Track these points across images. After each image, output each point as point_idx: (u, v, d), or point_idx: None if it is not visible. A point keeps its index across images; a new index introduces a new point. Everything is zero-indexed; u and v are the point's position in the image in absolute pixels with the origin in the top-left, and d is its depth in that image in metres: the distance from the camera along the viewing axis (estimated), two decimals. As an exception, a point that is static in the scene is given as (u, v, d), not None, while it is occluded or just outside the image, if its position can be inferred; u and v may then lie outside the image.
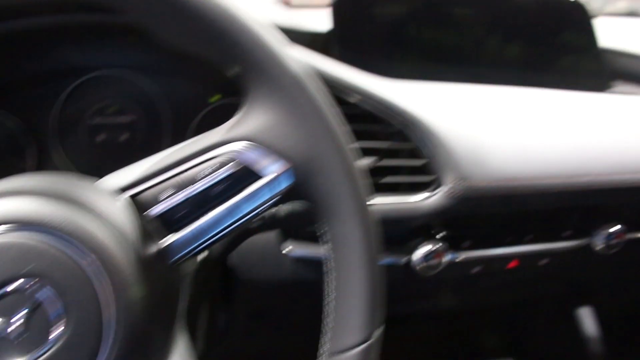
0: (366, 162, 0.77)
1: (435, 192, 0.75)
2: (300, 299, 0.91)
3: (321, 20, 0.92)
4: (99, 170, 0.82)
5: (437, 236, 0.83)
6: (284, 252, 0.81)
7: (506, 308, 1.18)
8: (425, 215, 0.76)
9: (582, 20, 0.96)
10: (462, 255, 0.83)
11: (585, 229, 0.90)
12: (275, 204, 0.48)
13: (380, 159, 0.78)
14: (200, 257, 0.79)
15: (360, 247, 0.47)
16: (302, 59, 0.47)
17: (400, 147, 0.77)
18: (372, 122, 0.76)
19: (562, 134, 0.80)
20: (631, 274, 1.08)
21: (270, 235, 0.81)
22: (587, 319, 1.06)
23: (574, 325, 1.07)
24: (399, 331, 1.12)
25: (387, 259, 0.82)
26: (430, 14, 0.91)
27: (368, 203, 0.48)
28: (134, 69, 0.82)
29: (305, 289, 0.75)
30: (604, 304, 1.10)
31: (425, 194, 0.76)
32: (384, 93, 0.74)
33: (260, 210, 0.47)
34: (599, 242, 0.89)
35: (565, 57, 0.96)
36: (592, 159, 0.80)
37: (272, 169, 0.46)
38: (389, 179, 0.78)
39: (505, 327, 1.27)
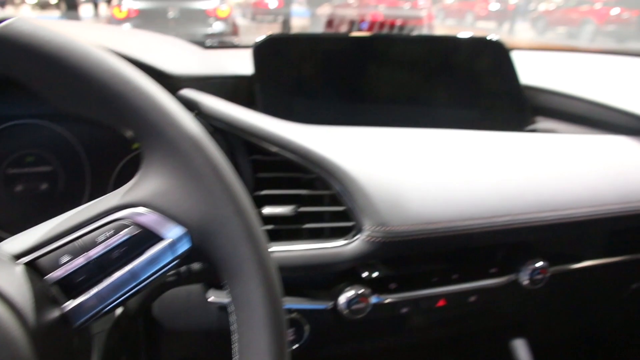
0: (288, 209, 0.78)
1: (355, 238, 0.76)
2: (226, 348, 0.90)
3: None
4: (19, 221, 0.81)
5: (365, 278, 0.84)
6: (209, 300, 0.80)
7: (441, 343, 1.19)
8: (347, 261, 0.76)
9: (502, 59, 0.99)
10: (389, 298, 0.84)
11: (511, 265, 0.91)
12: (177, 266, 0.48)
13: (301, 206, 0.78)
14: (117, 312, 0.78)
15: (262, 308, 0.47)
16: (195, 122, 0.47)
17: (321, 194, 0.78)
18: (293, 170, 0.77)
19: (481, 175, 0.81)
20: (557, 306, 1.10)
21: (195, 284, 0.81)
22: (522, 350, 1.07)
23: (509, 357, 1.08)
24: None
25: (314, 304, 0.82)
26: (349, 56, 0.92)
27: (270, 263, 0.48)
28: (51, 117, 0.81)
29: (231, 338, 0.74)
30: (537, 335, 1.11)
31: (345, 240, 0.76)
32: (303, 141, 0.75)
33: (162, 273, 0.47)
34: (524, 278, 0.90)
35: (487, 96, 0.98)
36: (511, 198, 0.81)
37: (170, 233, 0.46)
38: (311, 225, 0.78)
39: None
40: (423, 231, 0.76)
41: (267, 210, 0.78)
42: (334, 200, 0.77)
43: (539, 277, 0.90)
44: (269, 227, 0.79)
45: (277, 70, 0.89)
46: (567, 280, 0.99)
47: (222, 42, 1.35)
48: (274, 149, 0.75)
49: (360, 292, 0.80)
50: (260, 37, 0.89)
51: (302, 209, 0.79)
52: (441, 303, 0.88)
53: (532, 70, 1.13)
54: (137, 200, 0.46)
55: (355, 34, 0.96)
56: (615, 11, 13.70)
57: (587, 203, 0.86)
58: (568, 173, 0.87)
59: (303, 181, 0.79)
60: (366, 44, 0.93)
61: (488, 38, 1.00)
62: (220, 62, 0.96)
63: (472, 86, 0.97)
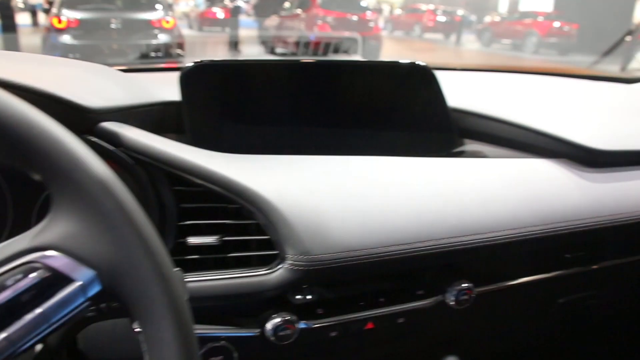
0: (213, 239, 0.78)
1: (278, 267, 0.76)
2: None
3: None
4: None
5: (292, 303, 0.84)
6: (135, 330, 0.79)
7: None
8: (271, 289, 0.77)
9: (430, 84, 1.01)
10: (316, 323, 0.84)
11: (437, 287, 0.93)
12: (89, 307, 0.47)
13: (227, 235, 0.79)
14: (38, 347, 0.76)
15: (174, 348, 0.47)
16: (103, 164, 0.47)
17: (245, 223, 0.78)
18: (217, 200, 0.77)
19: (404, 200, 0.83)
20: (486, 324, 1.13)
21: None
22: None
23: None
24: None
25: (241, 331, 0.82)
26: (278, 83, 0.93)
27: (182, 303, 0.48)
28: None
29: None
30: (468, 353, 1.14)
31: (268, 269, 0.77)
32: (225, 172, 0.75)
33: (74, 315, 0.46)
34: (450, 299, 0.92)
35: (414, 120, 1.00)
36: (433, 223, 0.83)
37: (80, 276, 0.45)
38: (236, 254, 0.79)
39: None
40: (346, 258, 0.77)
41: (193, 240, 0.78)
42: (259, 229, 0.78)
43: (465, 297, 0.93)
44: (195, 256, 0.79)
45: (204, 97, 0.89)
46: (494, 299, 1.01)
47: (152, 63, 1.34)
48: (196, 180, 0.75)
49: (286, 318, 0.81)
50: (187, 64, 0.89)
51: (228, 238, 0.79)
52: (369, 326, 0.89)
53: (458, 90, 1.16)
54: (47, 243, 0.45)
55: (284, 59, 0.97)
56: (557, 24, 14.20)
57: (507, 226, 0.89)
58: (490, 197, 0.89)
59: (229, 210, 0.79)
60: (295, 70, 0.94)
61: (416, 63, 1.02)
62: (147, 88, 0.95)
63: (400, 111, 0.99)
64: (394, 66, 1.03)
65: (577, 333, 1.59)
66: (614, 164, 1.06)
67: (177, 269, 0.58)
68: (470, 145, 1.08)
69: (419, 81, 1.01)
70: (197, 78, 0.89)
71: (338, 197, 0.79)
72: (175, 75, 0.90)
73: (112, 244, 0.46)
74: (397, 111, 0.99)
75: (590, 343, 1.71)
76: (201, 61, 0.90)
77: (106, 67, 1.02)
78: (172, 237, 0.79)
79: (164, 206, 0.78)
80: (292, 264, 0.75)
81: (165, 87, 0.94)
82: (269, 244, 0.78)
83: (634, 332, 1.69)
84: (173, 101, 0.92)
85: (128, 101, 0.84)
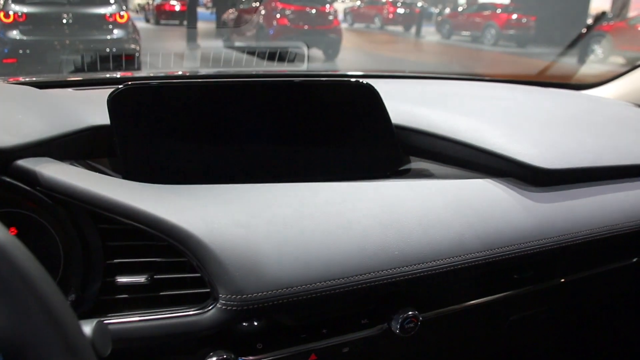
0: (142, 278, 0.74)
1: (210, 307, 0.73)
2: None
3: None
4: None
5: (229, 339, 0.81)
6: None
7: None
8: (204, 330, 0.73)
9: (373, 102, 0.98)
10: (255, 358, 0.81)
11: (382, 315, 0.91)
12: None
13: (157, 273, 0.75)
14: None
15: None
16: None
17: (173, 261, 0.74)
18: (146, 238, 0.73)
19: (343, 231, 0.80)
20: (436, 349, 1.11)
21: None
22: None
23: None
24: None
25: None
26: (212, 106, 0.88)
27: None
28: None
29: None
30: None
31: (200, 310, 0.73)
32: (151, 209, 0.71)
33: None
34: (395, 327, 0.90)
35: (357, 140, 0.97)
36: (374, 254, 0.80)
37: None
38: (167, 293, 0.75)
39: None
40: (282, 296, 0.74)
41: (121, 279, 0.74)
42: (192, 266, 0.74)
43: (411, 325, 0.90)
44: (124, 296, 0.75)
45: (134, 122, 0.84)
46: (441, 323, 1.00)
47: (79, 81, 1.28)
48: (121, 219, 0.71)
49: (224, 357, 0.77)
50: (116, 89, 0.84)
51: (158, 276, 0.75)
52: (313, 358, 0.86)
53: (405, 101, 1.13)
54: None
55: (217, 76, 0.92)
56: (514, 16, 14.38)
57: (451, 253, 0.87)
58: (433, 222, 0.87)
59: (159, 247, 0.75)
60: (229, 91, 0.89)
61: (360, 82, 0.98)
62: (76, 111, 0.90)
63: (342, 131, 0.96)
64: (335, 85, 1.00)
65: (530, 347, 1.60)
66: (561, 182, 1.05)
67: (99, 320, 0.54)
68: (416, 164, 1.05)
69: (361, 99, 0.97)
70: (126, 102, 0.84)
71: (273, 230, 0.76)
72: (104, 94, 0.85)
73: (12, 313, 0.42)
74: (339, 131, 0.95)
75: (544, 357, 1.72)
76: (129, 84, 0.85)
77: (29, 90, 0.96)
78: (99, 276, 0.74)
79: (88, 245, 0.74)
80: (224, 304, 0.72)
81: (97, 108, 0.89)
82: (200, 283, 0.74)
83: (586, 343, 1.71)
84: (103, 125, 0.87)
85: (49, 132, 0.79)
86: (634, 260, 1.27)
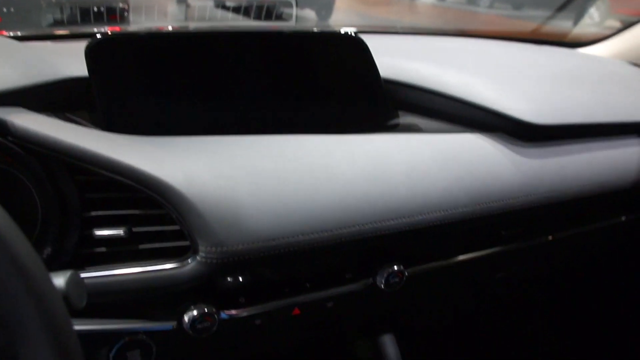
0: (120, 231, 0.72)
1: (190, 260, 0.71)
2: None
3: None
4: None
5: (211, 293, 0.79)
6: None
7: (308, 347, 1.18)
8: (184, 283, 0.72)
9: (361, 55, 0.95)
10: (239, 312, 0.80)
11: (367, 270, 0.90)
12: None
13: (136, 226, 0.73)
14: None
15: None
16: None
17: (152, 213, 0.72)
18: (124, 190, 0.71)
19: (327, 184, 0.78)
20: (422, 304, 1.11)
21: None
22: (390, 347, 1.07)
23: (379, 354, 1.08)
24: None
25: (157, 325, 0.77)
26: (194, 55, 0.85)
27: (61, 320, 0.44)
28: None
29: None
30: (405, 332, 1.12)
31: (179, 263, 0.72)
32: (129, 159, 0.69)
33: None
34: (381, 281, 0.89)
35: (345, 94, 0.94)
36: (358, 208, 0.79)
37: None
38: (146, 246, 0.73)
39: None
40: (263, 249, 0.72)
41: (99, 232, 0.72)
42: (171, 219, 0.72)
43: (396, 280, 0.89)
44: (102, 249, 0.73)
45: (113, 73, 0.81)
46: (427, 279, 0.99)
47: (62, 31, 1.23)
48: (97, 170, 0.68)
49: (204, 310, 0.76)
50: (93, 39, 0.80)
51: (137, 229, 0.73)
52: (296, 312, 0.85)
53: (397, 56, 1.10)
54: None
55: (202, 29, 0.89)
56: (511, -23, 14.15)
57: (438, 208, 0.85)
58: (420, 177, 0.85)
59: (137, 199, 0.73)
60: (213, 42, 0.86)
61: (347, 33, 0.95)
62: (52, 62, 0.87)
63: (330, 84, 0.93)
64: (322, 36, 0.97)
65: (516, 307, 1.61)
66: (551, 137, 1.03)
67: (72, 271, 0.53)
68: (405, 118, 1.03)
69: (349, 52, 0.94)
70: (105, 52, 0.80)
71: (255, 182, 0.74)
72: (80, 46, 0.82)
73: None
74: (327, 84, 0.93)
75: (530, 315, 1.73)
76: (108, 34, 0.82)
77: (3, 41, 0.93)
78: (76, 229, 0.72)
79: (65, 197, 0.72)
80: (204, 257, 0.70)
81: (77, 59, 0.85)
82: (180, 235, 0.72)
83: (572, 302, 1.72)
84: (82, 77, 0.84)
85: (22, 82, 0.76)
86: (623, 219, 1.27)
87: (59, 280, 0.51)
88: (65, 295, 0.50)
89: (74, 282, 0.52)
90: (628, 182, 1.12)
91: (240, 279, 0.81)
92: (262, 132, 0.83)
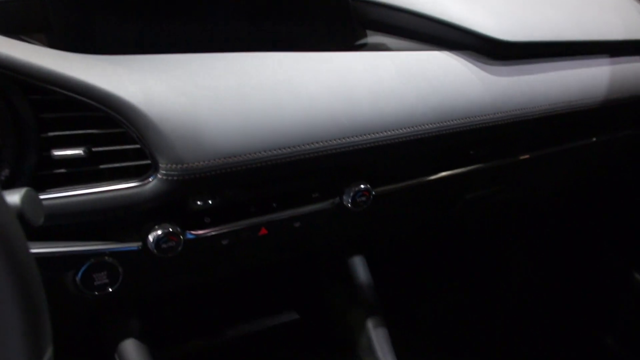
0: (79, 151, 0.70)
1: (151, 178, 0.70)
2: None
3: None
4: None
5: (176, 213, 0.79)
6: None
7: (278, 266, 1.19)
8: (146, 202, 0.72)
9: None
10: (204, 232, 0.80)
11: (334, 189, 0.90)
12: None
13: (95, 146, 0.71)
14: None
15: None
16: None
17: (111, 132, 0.71)
18: (81, 109, 0.69)
19: (289, 100, 0.77)
20: (388, 225, 1.12)
21: None
22: (360, 268, 1.09)
23: (349, 274, 1.10)
24: (173, 308, 1.09)
25: (122, 246, 0.77)
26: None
27: (12, 242, 0.43)
28: None
29: None
30: (375, 252, 1.13)
31: (140, 181, 0.71)
32: (83, 76, 0.67)
33: None
34: (347, 200, 0.89)
35: (311, 11, 0.92)
36: (321, 123, 0.78)
37: None
38: (107, 166, 0.72)
39: (286, 284, 1.29)
40: (224, 166, 0.72)
41: (57, 153, 0.71)
42: (126, 139, 0.71)
43: (363, 199, 0.90)
44: (62, 170, 0.72)
45: None
46: (395, 198, 0.99)
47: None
48: (51, 87, 0.67)
49: (169, 230, 0.76)
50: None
51: (97, 149, 0.72)
52: (263, 232, 0.86)
53: None
54: None
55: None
56: None
57: (403, 124, 0.85)
58: (385, 93, 0.84)
59: (96, 118, 0.71)
60: None
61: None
62: None
63: (295, 1, 0.90)
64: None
65: (485, 227, 1.63)
66: (520, 55, 1.02)
67: (27, 188, 0.52)
68: (372, 37, 1.01)
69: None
70: None
71: (216, 99, 0.72)
72: None
73: None
74: (292, 1, 0.90)
75: (499, 237, 1.76)
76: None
77: None
78: (33, 150, 0.71)
79: (20, 117, 0.70)
80: (165, 175, 0.70)
81: None
82: (144, 154, 0.71)
83: (541, 224, 1.74)
84: None
85: None
86: (593, 140, 1.27)
87: (14, 197, 0.50)
88: (20, 211, 0.50)
89: (29, 198, 0.51)
90: (598, 101, 1.12)
91: (205, 198, 0.80)
92: (225, 50, 0.81)
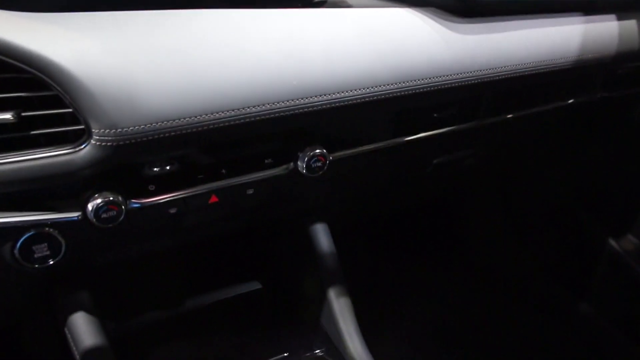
0: (7, 115, 0.65)
1: (85, 143, 0.66)
2: None
3: None
4: None
5: (117, 181, 0.75)
6: None
7: (236, 235, 1.16)
8: (80, 169, 0.67)
9: None
10: (148, 200, 0.76)
11: (287, 154, 0.86)
12: None
13: (26, 110, 0.66)
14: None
15: None
16: None
17: (41, 96, 0.66)
18: (6, 70, 0.64)
19: (233, 60, 0.72)
20: (350, 191, 1.09)
21: None
22: (322, 235, 1.06)
23: (311, 242, 1.06)
24: (127, 280, 1.06)
25: (61, 215, 0.73)
26: None
27: None
28: None
29: None
30: (339, 220, 1.10)
31: (73, 147, 0.66)
32: (8, 35, 0.62)
33: None
34: (302, 166, 0.85)
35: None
36: (268, 84, 0.73)
37: None
38: (36, 132, 0.67)
39: (246, 254, 1.26)
40: (162, 129, 0.67)
41: None
42: (57, 103, 0.66)
43: (318, 164, 0.86)
44: None
45: None
46: (354, 163, 0.95)
47: None
48: None
49: (109, 198, 0.72)
50: None
51: (27, 113, 0.67)
52: (214, 199, 0.82)
53: None
54: None
55: None
56: None
57: (357, 85, 0.80)
58: (339, 52, 0.80)
59: (26, 81, 0.66)
60: None
61: None
62: None
63: None
64: None
65: (455, 192, 1.60)
66: (487, 13, 0.98)
67: None
68: None
69: None
70: None
71: (153, 59, 0.67)
72: None
73: None
74: None
75: (468, 201, 1.73)
76: None
77: None
78: None
79: None
80: (99, 140, 0.65)
81: None
82: (70, 120, 0.67)
83: (510, 189, 1.72)
84: None
85: None
86: (566, 102, 1.24)
87: None
88: None
89: None
90: (569, 61, 1.08)
91: (149, 164, 0.76)
92: (165, 7, 0.76)
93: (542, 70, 1.04)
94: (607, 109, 1.35)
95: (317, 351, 1.01)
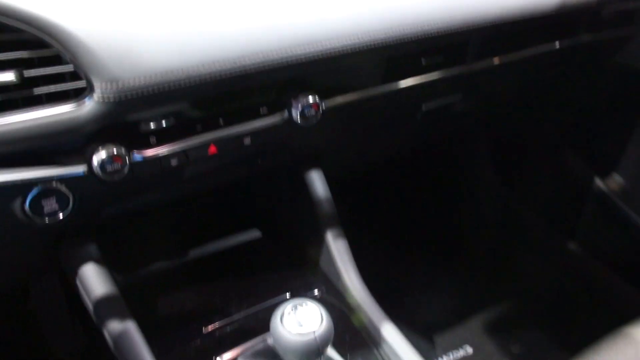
0: (10, 75, 0.68)
1: (87, 99, 0.69)
2: None
3: None
4: None
5: (120, 134, 0.78)
6: None
7: (233, 185, 1.19)
8: (84, 125, 0.70)
9: None
10: (150, 153, 0.79)
11: (281, 103, 0.89)
12: None
13: (27, 69, 0.68)
14: None
15: None
16: None
17: (42, 55, 0.68)
18: (6, 31, 0.66)
19: (228, 10, 0.74)
20: (344, 139, 1.11)
21: None
22: (318, 182, 1.09)
23: (306, 189, 1.10)
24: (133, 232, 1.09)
25: (67, 170, 0.76)
26: None
27: None
28: None
29: None
30: (334, 167, 1.13)
31: (75, 104, 0.69)
32: None
33: None
34: (296, 115, 0.88)
35: None
36: (262, 35, 0.76)
37: None
38: (38, 91, 0.69)
39: (246, 203, 1.29)
40: (162, 83, 0.70)
41: None
42: (58, 60, 0.68)
43: (312, 113, 0.89)
44: None
45: None
46: (348, 111, 0.98)
47: None
48: None
49: (114, 151, 0.75)
50: None
51: (29, 73, 0.69)
52: (213, 150, 0.85)
53: None
54: None
55: None
56: None
57: (348, 34, 0.83)
58: (329, 1, 0.82)
59: (26, 41, 0.68)
60: None
61: None
62: None
63: None
64: None
65: (445, 138, 1.63)
66: None
67: None
68: None
69: None
70: None
71: (149, 13, 0.70)
72: None
73: None
74: None
75: (457, 147, 1.76)
76: None
77: None
78: None
79: None
80: (101, 95, 0.68)
81: None
82: (72, 77, 0.69)
83: (499, 133, 1.75)
84: None
85: None
86: (553, 46, 1.25)
87: None
88: None
89: None
90: (552, 6, 1.09)
91: (149, 118, 0.79)
92: None
93: (527, 17, 1.06)
94: (592, 53, 1.37)
95: (316, 290, 1.06)
